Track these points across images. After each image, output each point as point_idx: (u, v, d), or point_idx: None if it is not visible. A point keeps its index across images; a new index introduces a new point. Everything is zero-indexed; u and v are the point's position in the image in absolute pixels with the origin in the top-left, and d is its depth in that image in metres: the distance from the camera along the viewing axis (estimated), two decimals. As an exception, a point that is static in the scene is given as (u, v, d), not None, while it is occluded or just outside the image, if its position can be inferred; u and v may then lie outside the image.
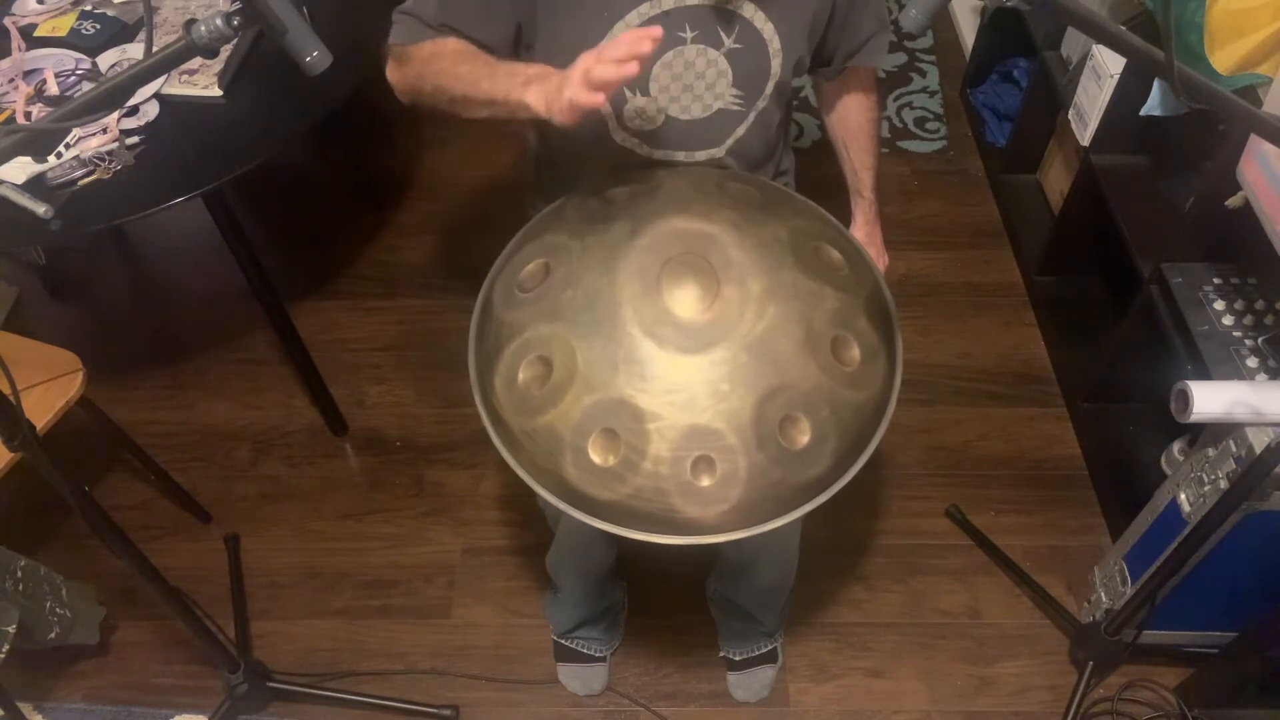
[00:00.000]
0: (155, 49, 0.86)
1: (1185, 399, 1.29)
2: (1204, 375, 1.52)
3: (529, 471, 1.04)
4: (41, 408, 1.55)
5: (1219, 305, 1.58)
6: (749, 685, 1.74)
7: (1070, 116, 2.01)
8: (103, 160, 1.55)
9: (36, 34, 1.76)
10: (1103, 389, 2.03)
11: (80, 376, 1.61)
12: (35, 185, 1.53)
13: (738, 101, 1.25)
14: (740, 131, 1.29)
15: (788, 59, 1.24)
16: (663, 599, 1.85)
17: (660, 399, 0.99)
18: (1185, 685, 1.70)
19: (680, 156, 1.29)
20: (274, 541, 1.97)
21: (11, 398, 1.07)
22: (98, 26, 1.75)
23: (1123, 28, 0.87)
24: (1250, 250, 1.50)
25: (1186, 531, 1.43)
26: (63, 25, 1.76)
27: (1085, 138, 1.95)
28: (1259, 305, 1.57)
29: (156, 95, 1.66)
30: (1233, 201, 1.50)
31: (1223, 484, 1.37)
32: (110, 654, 1.83)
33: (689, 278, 1.03)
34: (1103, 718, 1.71)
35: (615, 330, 1.01)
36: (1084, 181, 2.02)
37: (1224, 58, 1.47)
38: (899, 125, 2.75)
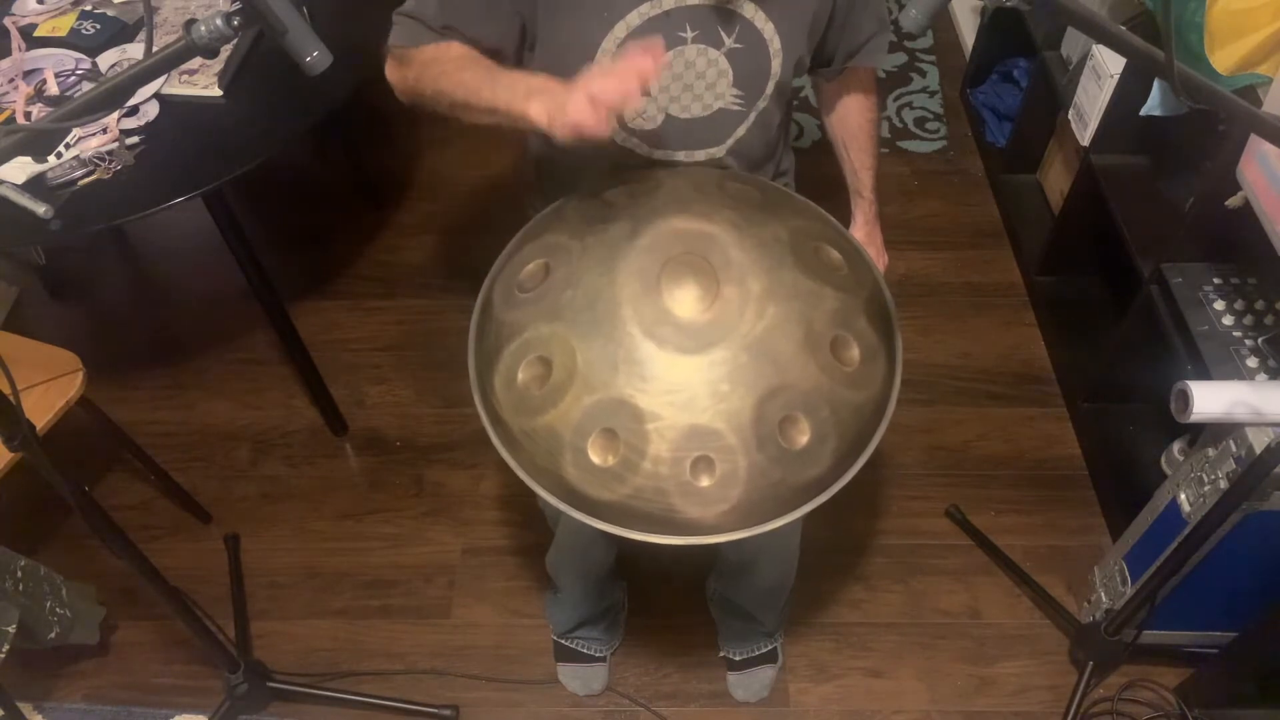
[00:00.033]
0: (155, 49, 0.86)
1: (1185, 399, 1.29)
2: (1204, 375, 1.52)
3: (528, 472, 1.04)
4: (41, 408, 1.55)
5: (1219, 305, 1.58)
6: (749, 685, 1.74)
7: (1070, 116, 2.01)
8: (103, 160, 1.55)
9: (36, 34, 1.76)
10: (1103, 389, 2.03)
11: (80, 376, 1.61)
12: (35, 185, 1.53)
13: (738, 101, 1.25)
14: (741, 131, 1.29)
15: (788, 59, 1.24)
16: (663, 599, 1.85)
17: (660, 399, 0.99)
18: (1185, 685, 1.70)
19: (680, 156, 1.29)
20: (274, 541, 1.97)
21: (11, 398, 1.07)
22: (98, 26, 1.75)
23: (1123, 28, 0.87)
24: (1250, 250, 1.50)
25: (1186, 531, 1.43)
26: (63, 25, 1.76)
27: (1085, 138, 1.95)
28: (1259, 305, 1.57)
29: (156, 95, 1.66)
30: (1233, 201, 1.50)
31: (1223, 484, 1.37)
32: (110, 654, 1.83)
33: (689, 278, 1.03)
34: (1103, 718, 1.71)
35: (615, 330, 1.01)
36: (1084, 181, 2.02)
37: (1224, 58, 1.47)
38: (899, 125, 2.75)
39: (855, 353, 1.06)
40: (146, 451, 1.88)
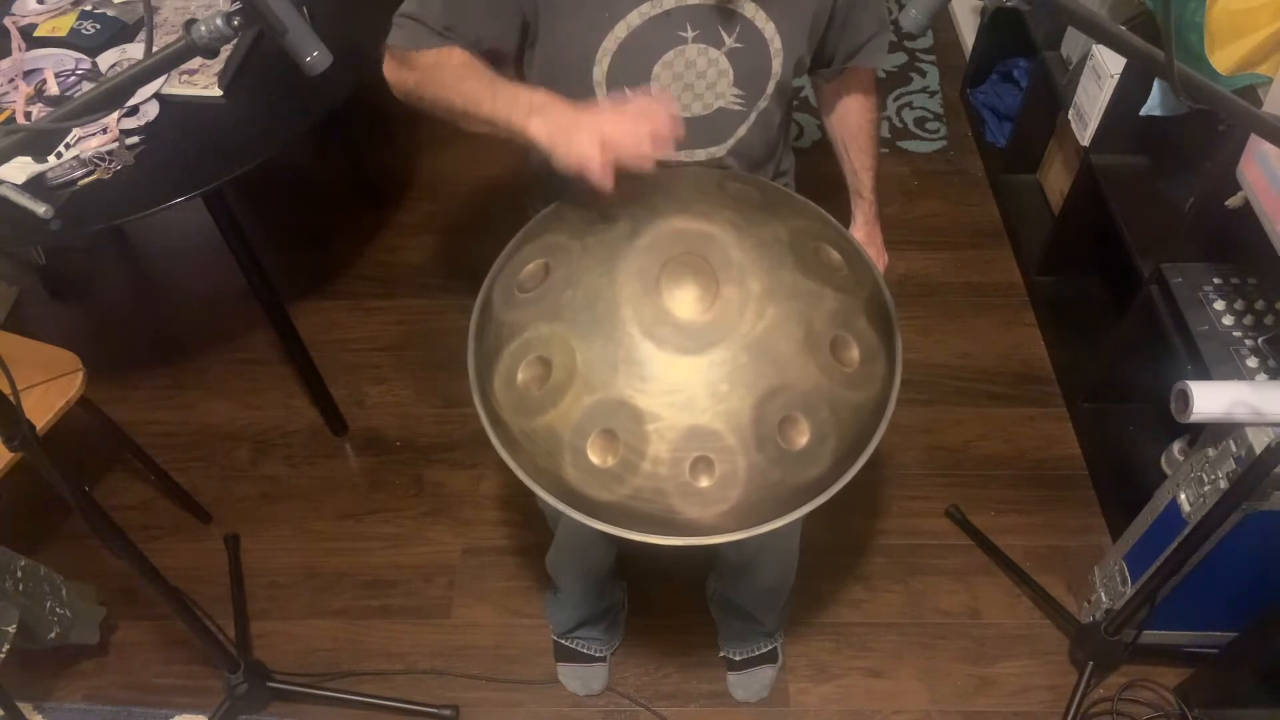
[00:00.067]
0: (155, 49, 0.86)
1: (1185, 399, 1.29)
2: (1204, 375, 1.52)
3: (528, 472, 1.04)
4: (41, 408, 1.55)
5: (1219, 305, 1.58)
6: (749, 685, 1.74)
7: (1070, 116, 2.01)
8: (103, 160, 1.55)
9: (36, 34, 1.76)
10: (1103, 389, 2.03)
11: (80, 376, 1.61)
12: (35, 185, 1.53)
13: (739, 101, 1.25)
14: (742, 131, 1.29)
15: (789, 58, 1.24)
16: (663, 599, 1.85)
17: (660, 400, 0.98)
18: (1185, 685, 1.70)
19: (681, 156, 1.29)
20: (274, 541, 1.97)
21: (11, 398, 1.07)
22: (98, 26, 1.75)
23: (1123, 28, 0.87)
24: (1250, 250, 1.50)
25: (1186, 531, 1.43)
26: (63, 25, 1.76)
27: (1085, 138, 1.94)
28: (1259, 305, 1.57)
29: (156, 95, 1.66)
30: (1233, 201, 1.50)
31: (1223, 484, 1.37)
32: (110, 654, 1.83)
33: (689, 278, 1.03)
34: (1103, 718, 1.71)
35: (615, 330, 1.01)
36: (1084, 181, 2.02)
37: (1224, 58, 1.47)
38: (899, 125, 2.75)
39: (855, 353, 1.06)
40: (146, 451, 1.88)
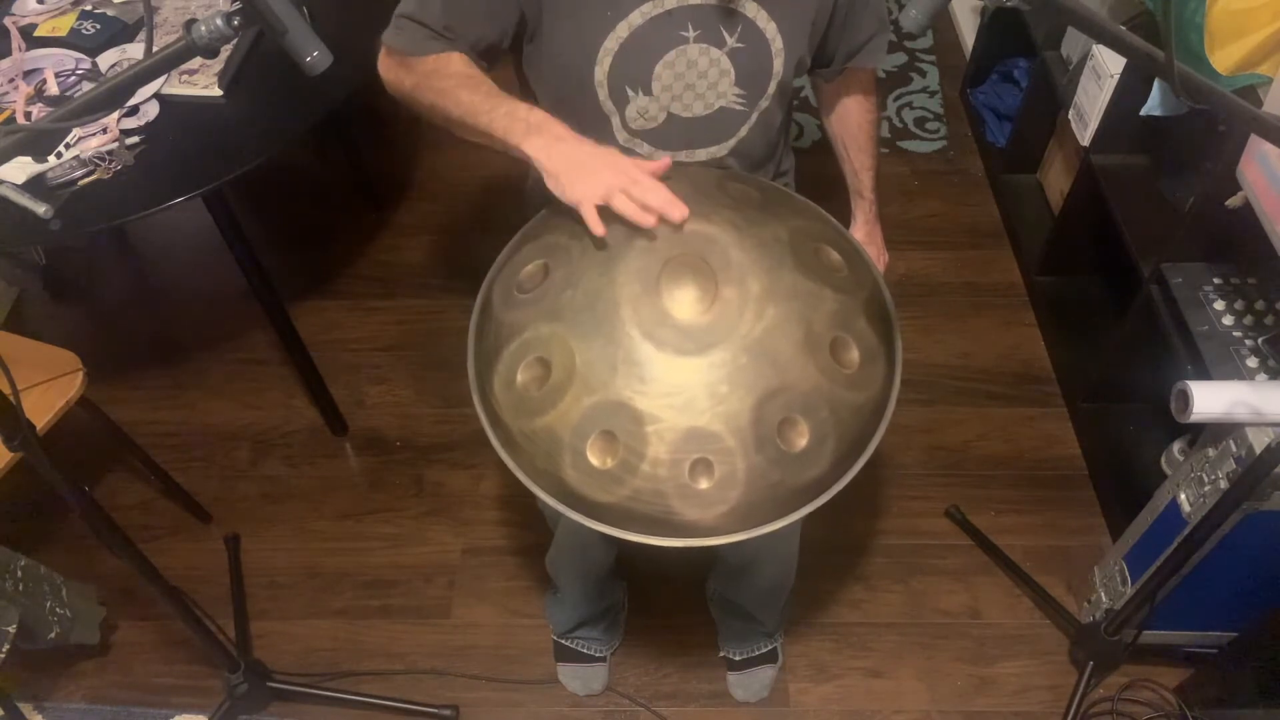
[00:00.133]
0: (155, 49, 0.86)
1: (1185, 399, 1.29)
2: (1204, 375, 1.52)
3: (528, 473, 1.04)
4: (41, 408, 1.55)
5: (1219, 305, 1.58)
6: (749, 685, 1.74)
7: (1070, 116, 2.01)
8: (103, 160, 1.55)
9: (36, 34, 1.76)
10: (1103, 389, 2.03)
11: (80, 376, 1.61)
12: (35, 185, 1.53)
13: (740, 101, 1.25)
14: (743, 131, 1.29)
15: (790, 58, 1.24)
16: (663, 599, 1.85)
17: (659, 401, 0.98)
18: (1185, 685, 1.70)
19: (682, 156, 1.29)
20: (274, 541, 1.97)
21: (11, 398, 1.07)
22: (98, 26, 1.75)
23: (1123, 28, 0.87)
24: (1250, 250, 1.50)
25: (1186, 531, 1.43)
26: (63, 25, 1.76)
27: (1085, 138, 1.94)
28: (1259, 305, 1.57)
29: (156, 95, 1.66)
30: (1233, 201, 1.50)
31: (1223, 484, 1.37)
32: (110, 654, 1.83)
33: (688, 279, 1.02)
34: (1103, 718, 1.71)
35: (614, 331, 1.01)
36: (1084, 181, 2.02)
37: (1224, 58, 1.47)
38: (899, 125, 2.75)
39: (855, 354, 1.06)
40: (146, 451, 1.88)
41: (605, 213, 1.03)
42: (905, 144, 2.69)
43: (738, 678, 1.74)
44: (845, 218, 1.46)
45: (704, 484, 0.99)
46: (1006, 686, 1.76)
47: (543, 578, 1.82)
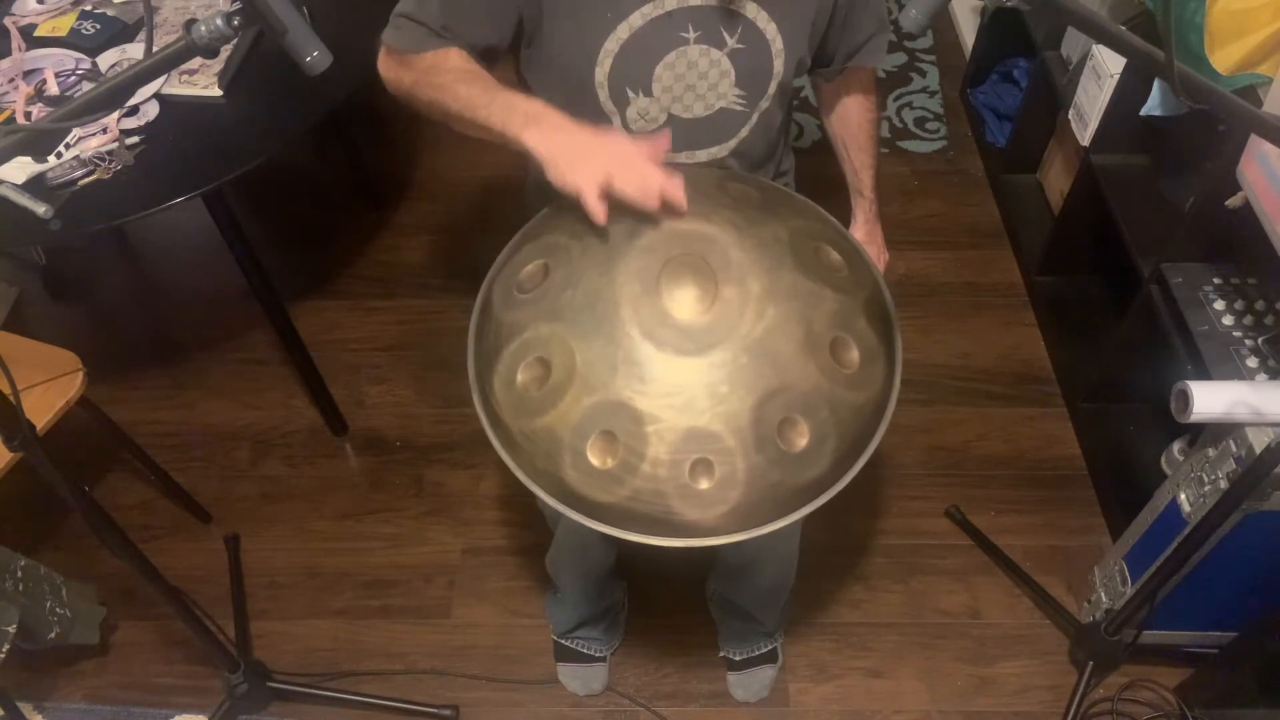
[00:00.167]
0: (155, 49, 0.86)
1: (1185, 399, 1.29)
2: (1204, 375, 1.52)
3: (528, 473, 1.04)
4: (41, 408, 1.55)
5: (1219, 305, 1.58)
6: (749, 685, 1.74)
7: (1070, 116, 2.01)
8: (103, 160, 1.55)
9: (36, 34, 1.76)
10: (1103, 389, 2.03)
11: (80, 376, 1.61)
12: (35, 185, 1.53)
13: (741, 101, 1.25)
14: (744, 132, 1.29)
15: (790, 58, 1.24)
16: (663, 599, 1.85)
17: (659, 401, 0.98)
18: (1185, 685, 1.70)
19: (682, 157, 1.29)
20: (274, 541, 1.97)
21: (11, 398, 1.07)
22: (98, 26, 1.75)
23: (1123, 28, 0.87)
24: (1250, 250, 1.50)
25: (1186, 531, 1.43)
26: (63, 25, 1.76)
27: (1085, 138, 1.94)
28: (1259, 305, 1.57)
29: (156, 95, 1.66)
30: (1233, 201, 1.50)
31: (1223, 484, 1.37)
32: (110, 654, 1.83)
33: (688, 278, 1.02)
34: (1103, 718, 1.71)
35: (614, 331, 1.01)
36: (1084, 181, 2.02)
37: (1224, 58, 1.47)
38: (899, 125, 2.75)
39: (855, 354, 1.05)
40: (146, 451, 1.88)
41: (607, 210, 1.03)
42: (905, 144, 2.69)
43: (738, 678, 1.74)
44: (845, 217, 1.46)
45: (704, 484, 0.99)
46: (1006, 686, 1.76)
47: (543, 578, 1.82)
